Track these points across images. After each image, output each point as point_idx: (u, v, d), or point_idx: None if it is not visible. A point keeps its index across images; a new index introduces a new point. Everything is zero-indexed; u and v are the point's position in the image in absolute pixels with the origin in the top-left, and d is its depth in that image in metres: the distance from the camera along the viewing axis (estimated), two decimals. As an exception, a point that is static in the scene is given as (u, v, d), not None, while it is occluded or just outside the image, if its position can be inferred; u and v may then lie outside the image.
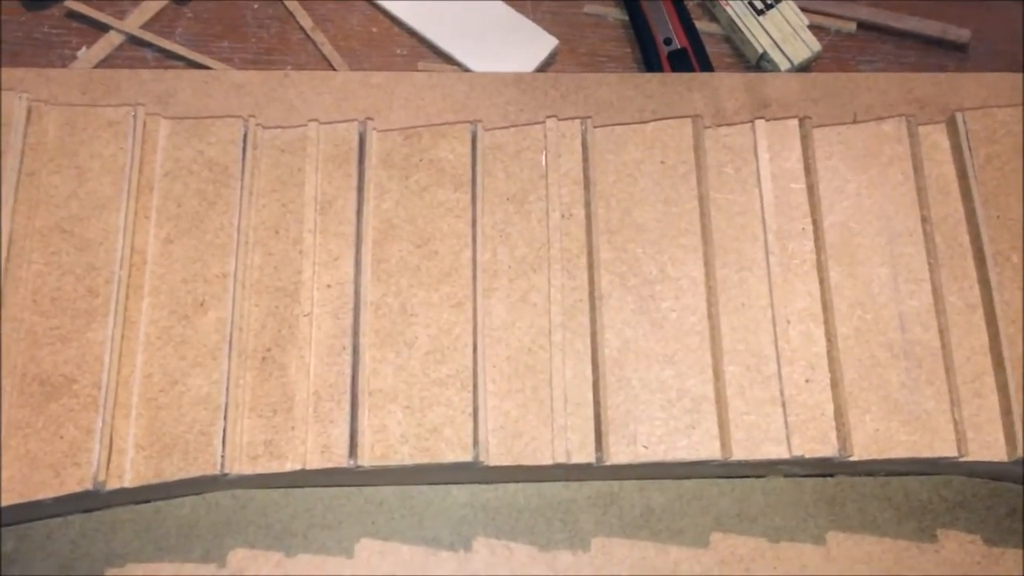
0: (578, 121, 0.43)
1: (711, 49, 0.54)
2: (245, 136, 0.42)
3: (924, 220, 0.42)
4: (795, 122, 0.43)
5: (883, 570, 0.43)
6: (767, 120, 0.43)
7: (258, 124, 0.43)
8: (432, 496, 0.42)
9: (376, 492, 0.42)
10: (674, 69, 0.52)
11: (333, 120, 0.45)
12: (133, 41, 0.52)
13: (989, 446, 0.40)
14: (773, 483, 0.43)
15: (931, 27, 0.55)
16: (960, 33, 0.55)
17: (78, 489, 0.36)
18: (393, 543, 0.41)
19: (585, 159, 0.42)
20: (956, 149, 0.43)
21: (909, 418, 0.39)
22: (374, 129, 0.43)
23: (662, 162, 0.42)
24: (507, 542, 0.42)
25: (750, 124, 0.43)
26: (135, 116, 0.41)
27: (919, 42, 0.56)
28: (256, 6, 0.53)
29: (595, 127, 0.43)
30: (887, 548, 0.43)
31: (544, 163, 0.42)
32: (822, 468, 0.42)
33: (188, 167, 0.41)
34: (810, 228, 0.42)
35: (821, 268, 0.41)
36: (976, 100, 0.50)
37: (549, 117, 0.43)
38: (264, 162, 0.42)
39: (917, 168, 0.43)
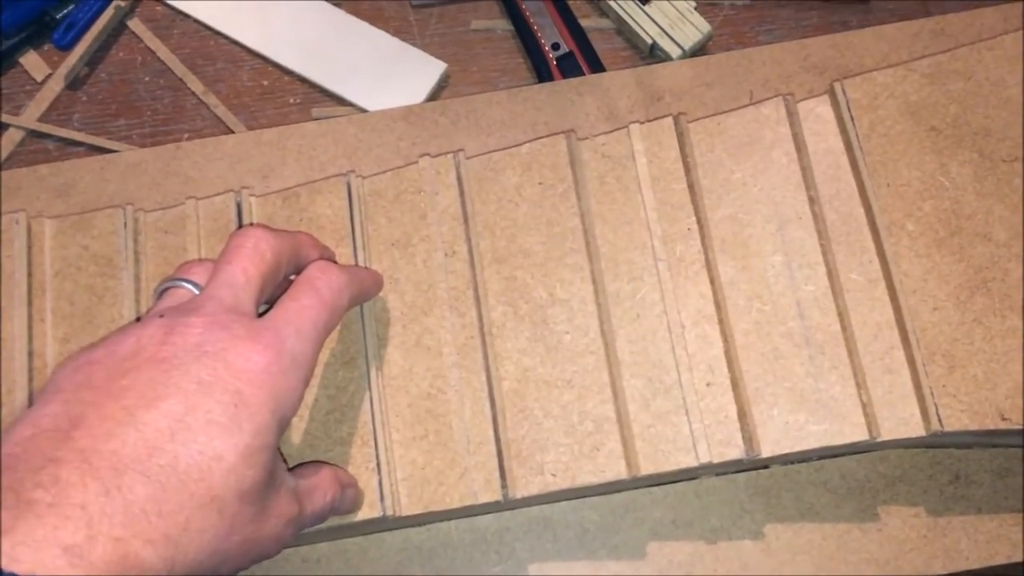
0: (451, 156, 0.43)
1: (605, 45, 0.53)
2: (128, 224, 0.42)
3: (812, 201, 0.41)
4: (670, 120, 0.42)
5: (825, 557, 0.42)
6: (641, 122, 0.43)
7: (138, 209, 0.43)
8: (366, 546, 0.43)
9: (311, 550, 0.43)
10: (564, 74, 0.51)
11: (229, 186, 0.46)
12: (34, 134, 0.52)
13: (905, 422, 0.39)
14: (706, 484, 0.43)
15: (827, -15, 0.54)
16: (856, -14, 0.53)
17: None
18: (330, 600, 0.42)
19: (461, 192, 0.42)
20: (840, 120, 0.42)
21: (817, 407, 0.39)
22: (251, 196, 0.43)
23: (540, 183, 0.42)
24: (444, 582, 0.42)
25: (626, 129, 0.43)
26: (18, 222, 0.42)
27: (819, 1, 0.54)
28: (147, 79, 0.53)
29: (470, 157, 0.43)
30: (827, 534, 0.42)
31: (422, 203, 0.42)
32: (749, 464, 0.42)
33: (75, 264, 0.42)
34: (696, 227, 0.41)
35: (710, 267, 0.40)
36: (876, 56, 0.49)
37: (422, 156, 0.43)
38: (149, 246, 0.42)
39: (800, 148, 0.42)
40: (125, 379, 0.29)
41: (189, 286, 0.34)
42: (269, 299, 0.35)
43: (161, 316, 0.32)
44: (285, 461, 0.36)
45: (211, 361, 0.30)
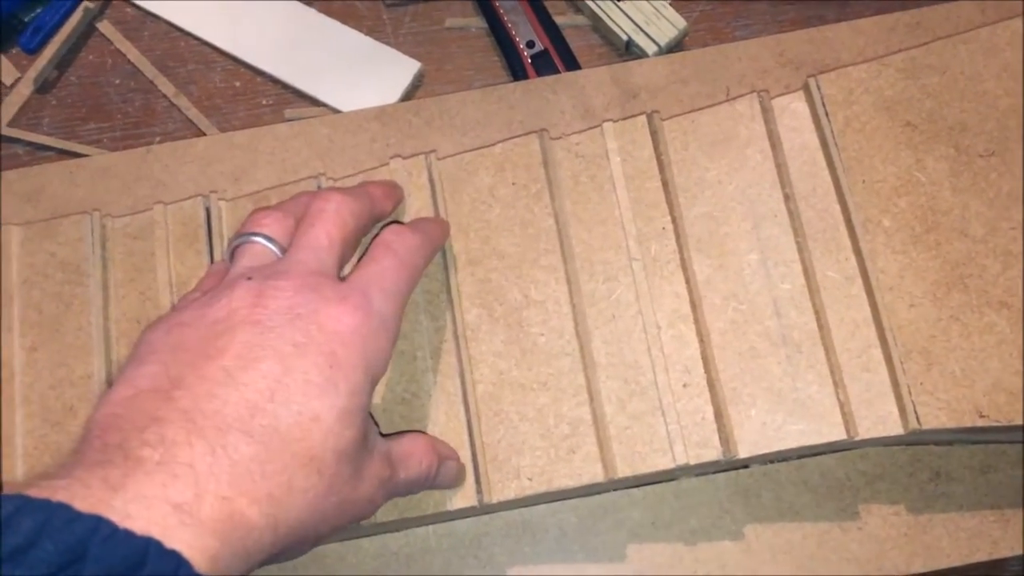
0: (422, 157, 0.42)
1: (581, 42, 0.53)
2: (95, 230, 0.42)
3: (787, 198, 0.41)
4: (643, 118, 0.42)
5: (806, 556, 0.42)
6: (615, 121, 0.42)
7: (106, 215, 0.42)
8: (343, 552, 0.42)
9: (287, 558, 0.42)
10: (539, 72, 0.51)
11: (200, 190, 0.45)
12: (3, 139, 0.52)
13: (883, 421, 0.39)
14: (685, 485, 0.43)
15: (803, -21, 0.53)
16: (832, -20, 0.53)
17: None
18: (307, 608, 0.41)
19: (434, 194, 0.41)
20: (815, 116, 0.42)
21: (795, 406, 0.38)
22: (221, 200, 0.42)
23: (514, 184, 0.42)
24: (422, 588, 0.42)
25: (599, 128, 0.42)
26: (-18, 230, 0.41)
27: (795, -5, 0.54)
28: (118, 81, 0.53)
29: (443, 157, 0.43)
30: (808, 533, 0.42)
31: (395, 205, 0.41)
32: (728, 464, 0.41)
33: (43, 271, 0.41)
34: (670, 226, 0.40)
35: (686, 266, 0.40)
36: (853, 51, 0.49)
37: (393, 157, 0.42)
38: (118, 253, 0.42)
39: (775, 145, 0.41)
40: (219, 340, 0.29)
41: (264, 241, 0.34)
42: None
43: (249, 279, 0.32)
44: (377, 425, 0.36)
45: (304, 324, 0.30)
